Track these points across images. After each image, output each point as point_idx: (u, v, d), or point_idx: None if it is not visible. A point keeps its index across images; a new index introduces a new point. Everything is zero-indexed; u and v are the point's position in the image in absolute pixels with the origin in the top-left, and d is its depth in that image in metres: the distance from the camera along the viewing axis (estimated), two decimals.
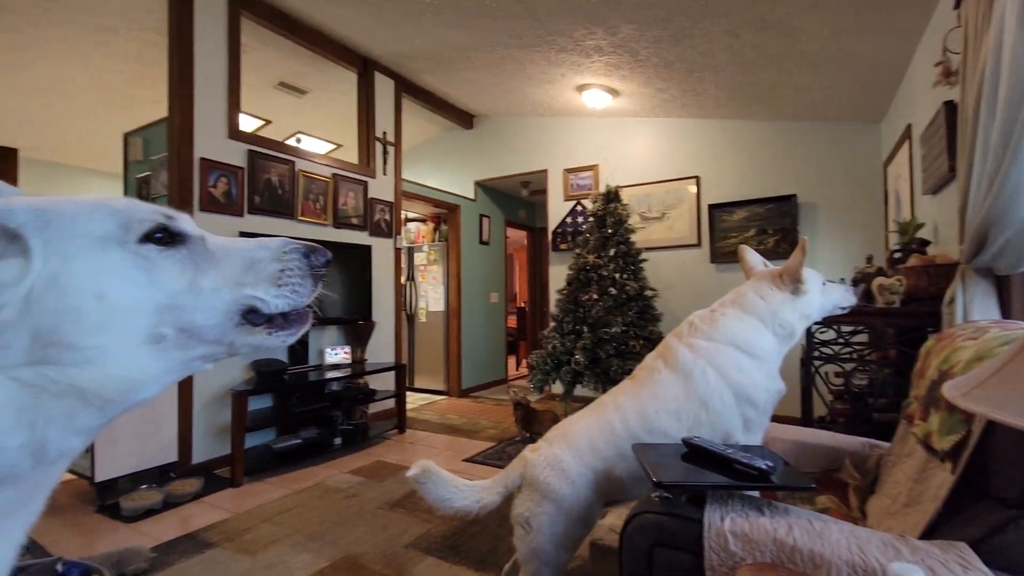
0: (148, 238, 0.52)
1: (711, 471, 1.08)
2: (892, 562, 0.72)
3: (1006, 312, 1.54)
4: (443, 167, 6.10)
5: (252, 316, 0.57)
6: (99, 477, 2.59)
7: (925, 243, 2.29)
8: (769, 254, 3.77)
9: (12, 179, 4.88)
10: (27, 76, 3.80)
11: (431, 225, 6.06)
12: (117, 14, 3.28)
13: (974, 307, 1.53)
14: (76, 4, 3.12)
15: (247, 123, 4.85)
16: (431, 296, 5.86)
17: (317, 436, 3.60)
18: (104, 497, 2.65)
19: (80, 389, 0.46)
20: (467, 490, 1.43)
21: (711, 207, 4.45)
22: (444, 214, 5.82)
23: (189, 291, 0.53)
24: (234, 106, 3.32)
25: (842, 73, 3.28)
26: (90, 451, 2.59)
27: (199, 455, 3.10)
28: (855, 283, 2.24)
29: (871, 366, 2.25)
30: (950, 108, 2.06)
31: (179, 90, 3.03)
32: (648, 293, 4.07)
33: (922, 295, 1.98)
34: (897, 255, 2.35)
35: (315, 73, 4.32)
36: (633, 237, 4.17)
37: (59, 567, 1.63)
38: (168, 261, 0.53)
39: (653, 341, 3.75)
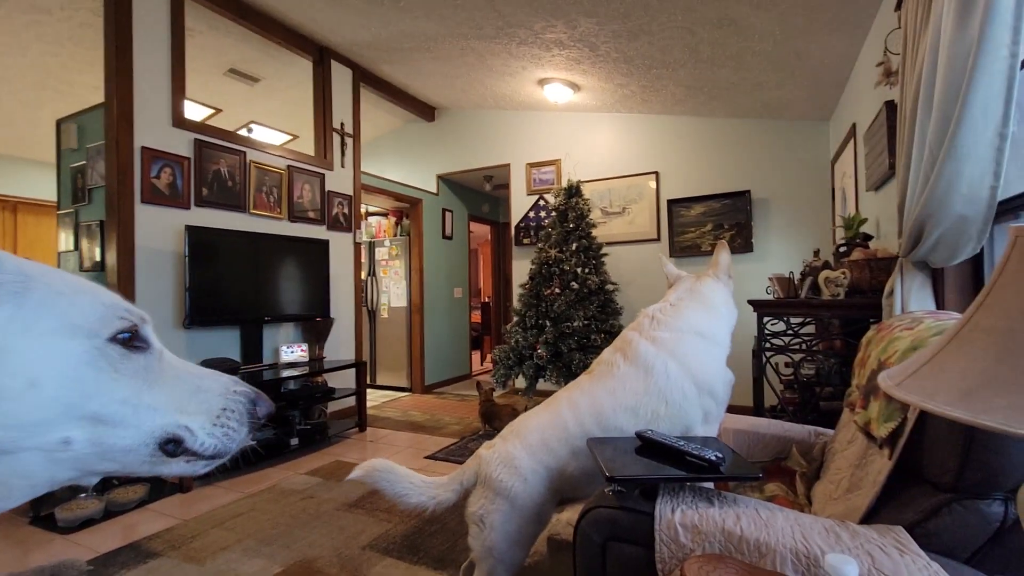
0: (115, 338, 0.48)
1: (664, 464, 1.09)
2: (828, 554, 0.73)
3: (940, 303, 1.62)
4: (405, 160, 5.98)
5: (169, 445, 0.52)
6: None
7: (868, 237, 2.39)
8: None
9: None
10: None
11: (393, 219, 5.94)
12: None
13: (911, 298, 1.60)
14: None
15: (195, 111, 4.62)
16: (393, 291, 5.76)
17: (273, 437, 3.48)
18: (38, 508, 2.48)
19: None
20: (423, 486, 1.41)
21: (670, 202, 4.53)
22: (406, 208, 5.71)
23: (125, 402, 0.48)
24: (178, 92, 3.14)
25: (794, 72, 3.38)
26: None
27: None
28: (803, 276, 2.31)
29: (818, 356, 2.34)
30: (890, 108, 2.14)
31: (116, 74, 2.84)
32: (609, 287, 4.11)
33: (865, 287, 2.07)
34: (842, 249, 2.44)
35: (268, 60, 4.15)
36: (594, 232, 4.20)
37: None
38: (125, 365, 0.49)
39: (614, 334, 3.79)
